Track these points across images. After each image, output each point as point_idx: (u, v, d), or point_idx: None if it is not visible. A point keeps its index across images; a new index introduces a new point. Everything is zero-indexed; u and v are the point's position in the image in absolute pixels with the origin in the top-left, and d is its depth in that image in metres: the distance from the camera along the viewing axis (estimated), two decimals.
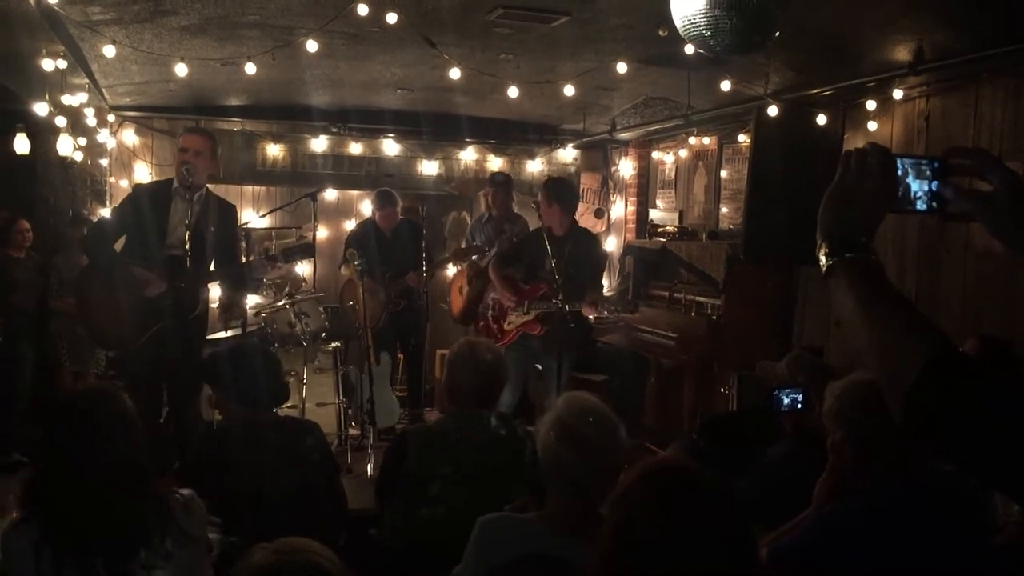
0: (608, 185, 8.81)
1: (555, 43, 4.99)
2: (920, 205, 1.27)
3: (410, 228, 6.59)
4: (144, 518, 2.26)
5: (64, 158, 6.52)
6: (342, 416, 6.17)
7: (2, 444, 5.79)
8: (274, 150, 7.86)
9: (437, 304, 7.17)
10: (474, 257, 6.69)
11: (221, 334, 5.94)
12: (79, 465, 2.23)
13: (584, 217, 8.02)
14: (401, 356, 7.01)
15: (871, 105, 5.61)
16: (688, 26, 3.36)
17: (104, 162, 7.43)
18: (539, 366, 5.98)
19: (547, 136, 8.41)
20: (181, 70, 5.16)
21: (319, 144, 7.90)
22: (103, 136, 7.21)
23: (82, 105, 6.06)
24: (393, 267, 6.43)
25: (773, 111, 5.57)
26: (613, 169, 8.78)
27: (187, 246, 4.51)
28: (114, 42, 4.83)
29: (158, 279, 4.55)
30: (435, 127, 7.82)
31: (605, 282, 7.49)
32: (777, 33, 3.44)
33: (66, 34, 4.80)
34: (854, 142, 5.63)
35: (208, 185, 4.90)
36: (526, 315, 5.71)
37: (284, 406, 3.72)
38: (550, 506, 2.35)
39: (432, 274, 6.55)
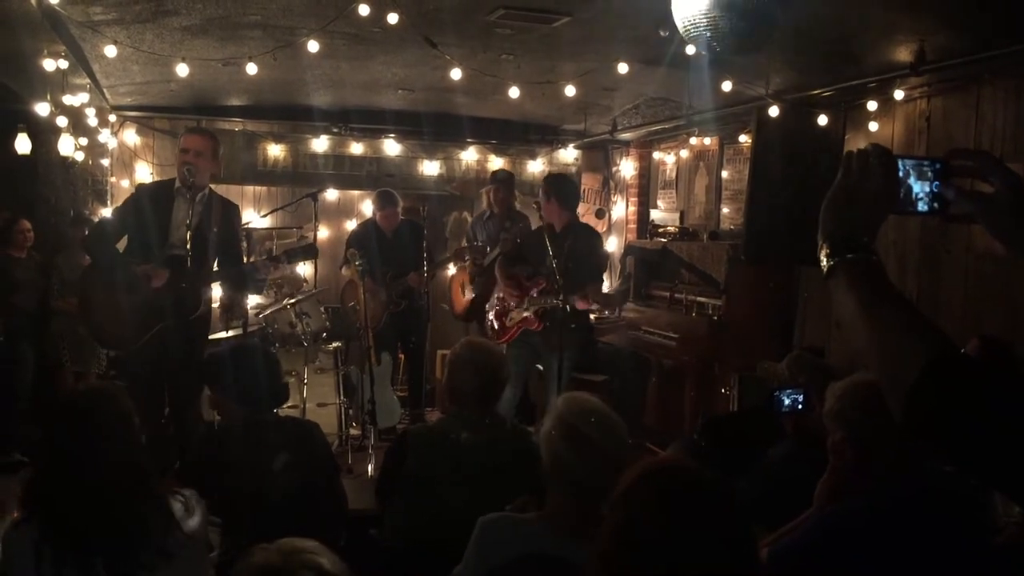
0: (609, 185, 8.81)
1: (556, 43, 4.99)
2: (921, 206, 1.27)
3: (411, 228, 6.59)
4: (145, 518, 2.26)
5: (65, 158, 6.52)
6: (343, 416, 6.17)
7: (3, 444, 5.80)
8: (275, 150, 7.86)
9: (438, 304, 7.17)
10: (476, 256, 6.68)
11: (222, 334, 5.94)
12: (80, 465, 2.23)
13: (585, 217, 8.01)
14: (402, 356, 7.01)
15: (872, 106, 5.60)
16: (689, 26, 3.36)
17: (105, 162, 7.43)
18: (540, 366, 5.99)
19: (548, 136, 8.41)
20: (182, 70, 5.16)
21: (320, 144, 7.90)
22: (104, 136, 7.22)
23: (83, 105, 6.06)
24: (394, 267, 6.43)
25: (774, 111, 5.57)
26: (614, 169, 8.78)
27: (188, 246, 4.51)
28: (115, 42, 4.84)
29: (161, 271, 4.55)
30: (436, 127, 7.82)
31: (606, 282, 7.50)
32: (777, 34, 3.44)
33: (67, 34, 4.80)
34: (855, 143, 5.63)
35: (210, 185, 4.91)
36: (526, 311, 5.73)
37: (285, 406, 3.72)
38: (550, 506, 2.35)
39: (433, 274, 6.56)
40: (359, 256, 5.71)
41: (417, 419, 6.37)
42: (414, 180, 8.22)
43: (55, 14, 4.37)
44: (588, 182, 8.75)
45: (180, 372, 4.58)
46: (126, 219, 4.80)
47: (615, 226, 8.72)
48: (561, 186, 5.91)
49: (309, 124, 7.71)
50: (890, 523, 2.07)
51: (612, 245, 8.39)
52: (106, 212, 7.13)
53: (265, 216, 7.12)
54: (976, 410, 1.05)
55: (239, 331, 6.00)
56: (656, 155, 8.32)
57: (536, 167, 8.55)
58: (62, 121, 6.01)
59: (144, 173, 7.50)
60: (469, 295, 6.88)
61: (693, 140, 7.51)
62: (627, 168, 8.55)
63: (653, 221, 8.08)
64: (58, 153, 6.34)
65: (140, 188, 5.11)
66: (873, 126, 5.70)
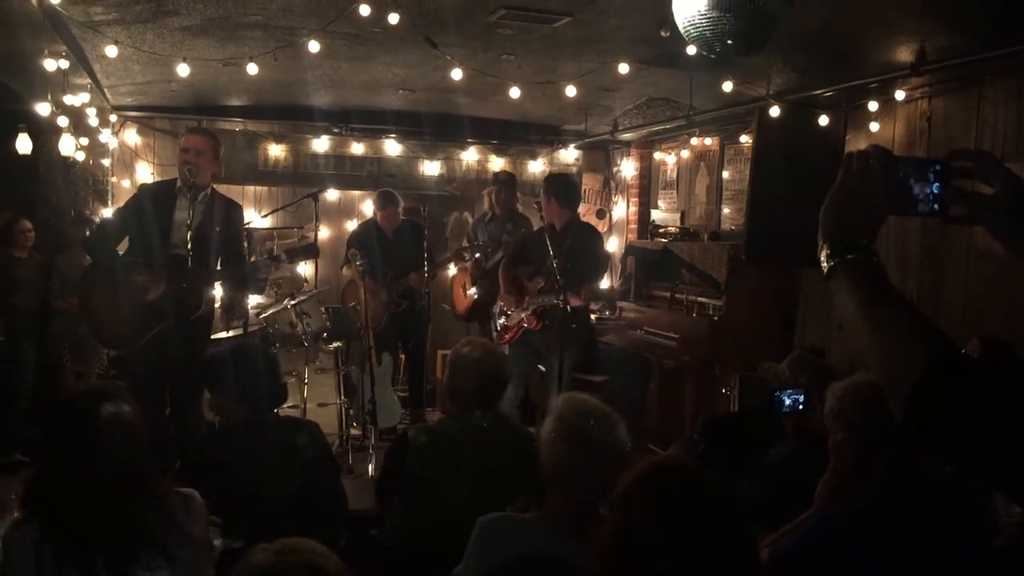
0: (610, 186, 8.81)
1: (557, 44, 4.99)
2: (921, 207, 1.26)
3: (412, 228, 6.59)
4: (145, 518, 2.26)
5: (66, 158, 6.52)
6: (343, 416, 6.17)
7: (3, 444, 5.80)
8: (276, 150, 7.86)
9: (439, 304, 7.17)
10: (477, 255, 6.68)
11: (223, 334, 5.94)
12: (80, 465, 2.23)
13: (586, 217, 8.02)
14: (402, 356, 7.01)
15: (873, 106, 5.60)
16: (690, 27, 3.35)
17: (106, 162, 7.44)
18: (542, 367, 5.99)
19: (549, 137, 8.41)
20: (183, 70, 5.16)
21: (321, 144, 7.90)
22: (105, 136, 7.22)
23: (84, 105, 6.06)
24: (395, 267, 6.43)
25: (775, 112, 5.57)
26: (615, 170, 8.78)
27: (188, 246, 4.51)
28: (116, 42, 4.84)
29: (157, 282, 4.55)
30: (437, 127, 7.82)
31: (606, 282, 7.50)
32: (778, 34, 3.43)
33: (68, 34, 4.81)
34: (856, 143, 5.63)
35: (212, 185, 4.91)
36: (525, 310, 5.75)
37: (285, 406, 3.73)
38: (550, 506, 2.35)
39: (434, 274, 6.56)
40: (360, 256, 5.71)
41: (418, 419, 6.37)
42: (415, 180, 8.22)
43: (56, 14, 4.37)
44: (589, 182, 8.75)
45: (181, 372, 4.58)
46: (127, 219, 4.80)
47: (616, 226, 8.72)
48: (561, 186, 5.93)
49: (310, 124, 7.71)
50: (891, 524, 2.06)
51: (613, 245, 8.39)
52: (107, 212, 7.14)
53: (266, 216, 7.12)
54: (977, 411, 1.05)
55: (239, 331, 6.01)
56: (657, 155, 8.32)
57: (537, 167, 8.55)
58: (63, 121, 6.01)
59: (145, 173, 7.51)
60: (471, 295, 6.88)
61: (694, 140, 7.51)
62: (628, 168, 8.55)
63: (654, 221, 8.08)
64: (59, 153, 6.34)
65: (142, 188, 5.12)
66: (874, 126, 5.70)
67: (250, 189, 7.97)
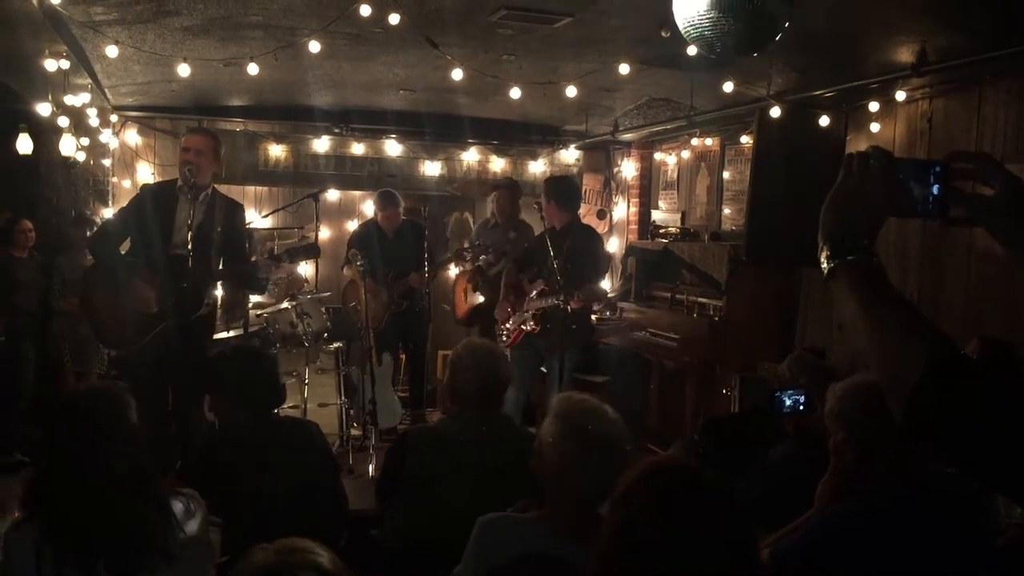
0: (610, 186, 8.81)
1: (557, 44, 4.99)
2: (921, 209, 1.26)
3: (412, 229, 6.59)
4: (146, 518, 2.26)
5: (67, 158, 6.53)
6: (344, 417, 6.17)
7: (4, 444, 5.80)
8: (276, 150, 7.86)
9: (439, 305, 7.17)
10: (482, 258, 6.67)
11: (223, 334, 5.95)
12: (81, 465, 2.23)
13: (587, 218, 8.03)
14: (403, 357, 7.01)
15: (874, 107, 5.60)
16: (690, 27, 3.35)
17: (107, 162, 7.44)
18: (543, 368, 6.00)
19: (549, 137, 8.41)
20: (184, 70, 5.16)
21: (321, 145, 7.90)
22: (106, 136, 7.22)
23: (85, 105, 6.06)
24: (395, 268, 6.43)
25: (776, 112, 5.57)
26: (615, 170, 8.78)
27: (189, 246, 4.51)
28: (117, 42, 4.84)
29: (150, 299, 4.55)
30: (437, 128, 7.82)
31: (607, 282, 7.50)
32: (779, 35, 3.43)
33: (69, 34, 4.81)
34: (857, 143, 5.63)
35: (214, 185, 4.91)
36: (525, 314, 5.76)
37: (286, 407, 3.73)
38: (549, 506, 2.36)
39: (434, 275, 6.56)
40: (360, 256, 5.72)
41: (418, 419, 6.37)
42: (415, 181, 8.22)
43: (56, 14, 4.37)
44: (589, 183, 8.75)
45: (183, 372, 4.58)
46: (128, 220, 4.80)
47: (616, 227, 8.72)
48: (560, 188, 5.96)
49: (310, 124, 7.71)
50: (891, 524, 2.07)
51: (613, 246, 8.39)
52: (108, 212, 7.14)
53: (266, 216, 7.13)
54: (977, 411, 1.05)
55: (240, 331, 6.01)
56: (657, 156, 8.32)
57: (537, 168, 8.55)
58: (63, 121, 6.01)
59: (145, 173, 7.51)
60: (472, 301, 6.87)
61: (694, 141, 7.51)
62: (628, 169, 8.55)
63: (654, 222, 8.08)
64: (59, 153, 6.34)
65: (143, 189, 5.12)
66: (875, 127, 5.70)
67: (250, 189, 7.97)
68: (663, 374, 6.79)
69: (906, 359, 1.10)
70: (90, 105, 6.24)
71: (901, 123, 5.59)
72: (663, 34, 4.30)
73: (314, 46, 4.77)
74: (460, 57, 5.14)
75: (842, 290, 1.21)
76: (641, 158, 8.41)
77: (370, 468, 5.42)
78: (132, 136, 7.56)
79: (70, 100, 5.68)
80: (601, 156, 8.86)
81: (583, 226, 6.24)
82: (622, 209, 8.67)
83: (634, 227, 8.47)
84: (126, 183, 7.47)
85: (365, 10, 4.16)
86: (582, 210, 7.31)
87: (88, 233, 6.25)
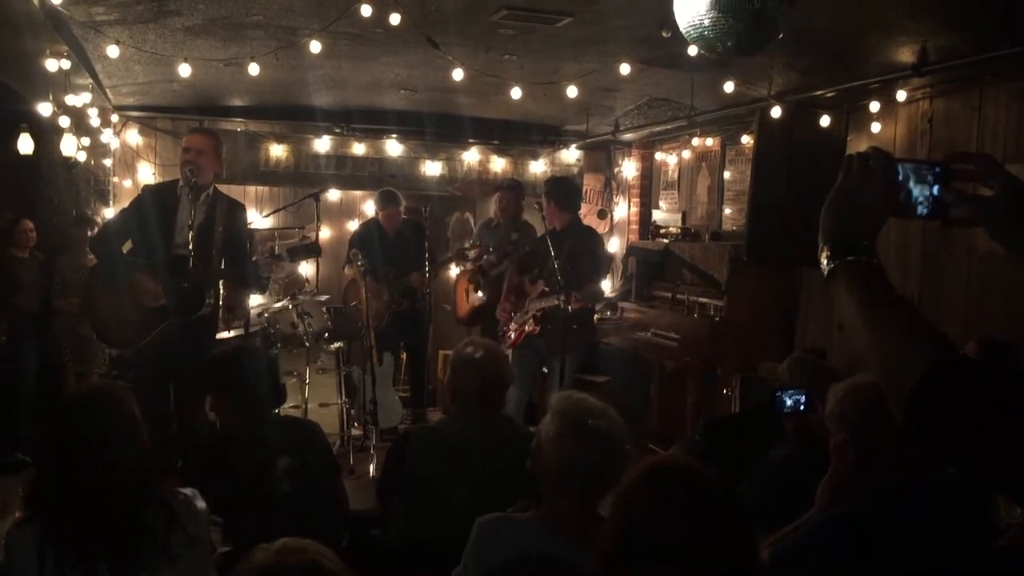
0: (611, 186, 8.81)
1: (558, 44, 4.99)
2: (921, 210, 1.27)
3: (413, 228, 6.59)
4: (147, 519, 2.26)
5: (68, 158, 6.52)
6: (344, 417, 6.18)
7: (5, 444, 5.80)
8: (277, 150, 7.86)
9: (440, 305, 7.17)
10: (484, 258, 6.66)
11: (224, 334, 5.95)
12: (82, 466, 2.24)
13: (587, 218, 8.02)
14: (404, 356, 7.01)
15: (875, 107, 5.60)
16: (691, 27, 3.36)
17: (108, 162, 7.44)
18: (545, 369, 6.00)
19: (550, 137, 8.41)
20: (185, 70, 5.17)
21: (322, 145, 7.90)
22: (107, 136, 7.22)
23: (86, 105, 6.06)
24: (396, 267, 6.43)
25: (777, 112, 5.57)
26: (616, 170, 8.78)
27: (190, 246, 4.51)
28: (118, 42, 4.84)
29: (157, 291, 4.55)
30: (438, 128, 7.82)
31: (607, 283, 7.50)
32: (780, 35, 3.43)
33: (70, 34, 4.81)
34: (857, 143, 5.63)
35: (215, 185, 4.91)
36: (525, 315, 5.77)
37: (287, 407, 3.73)
38: (548, 506, 2.36)
39: (435, 274, 6.55)
40: (361, 256, 5.72)
41: (419, 419, 6.37)
42: (416, 181, 8.22)
43: (57, 14, 4.38)
44: (590, 183, 8.74)
45: (184, 372, 4.58)
46: (129, 221, 4.80)
47: (617, 227, 8.72)
48: (560, 189, 5.97)
49: (311, 124, 7.71)
50: (892, 525, 2.07)
51: (614, 246, 8.38)
52: (109, 212, 7.14)
53: (267, 216, 7.14)
54: (977, 412, 1.05)
55: (240, 331, 6.02)
56: (658, 156, 8.32)
57: (538, 168, 8.54)
58: (64, 121, 6.01)
59: (146, 173, 7.51)
60: (473, 300, 6.87)
61: (695, 141, 7.51)
62: (629, 169, 8.55)
63: (655, 222, 8.08)
64: (60, 153, 6.34)
65: (145, 189, 5.12)
66: (875, 127, 5.69)
67: (251, 189, 7.97)
68: (664, 374, 6.79)
69: (906, 360, 1.10)
70: (91, 105, 6.24)
71: (902, 123, 5.59)
72: (664, 34, 4.30)
73: (315, 46, 4.77)
74: (461, 57, 5.14)
75: (842, 291, 1.21)
76: (642, 158, 8.41)
77: (371, 468, 5.42)
78: (133, 136, 7.56)
79: (71, 100, 5.68)
80: (602, 156, 8.86)
81: (584, 226, 6.25)
82: (623, 209, 8.67)
83: (635, 227, 8.47)
84: (127, 183, 7.47)
85: (366, 10, 4.16)
86: (583, 210, 7.30)
87: (89, 233, 6.25)
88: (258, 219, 7.19)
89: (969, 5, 4.04)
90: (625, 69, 5.24)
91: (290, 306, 6.05)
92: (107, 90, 6.48)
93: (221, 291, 5.04)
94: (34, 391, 6.23)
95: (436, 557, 2.61)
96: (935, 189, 1.26)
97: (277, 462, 3.14)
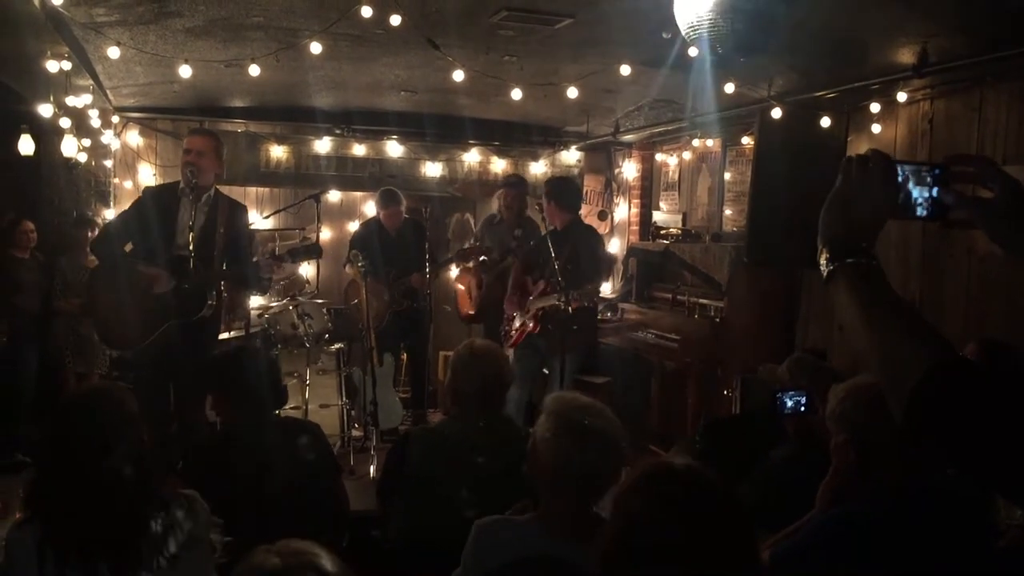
0: (611, 187, 8.81)
1: (559, 45, 4.99)
2: (920, 211, 1.27)
3: (414, 228, 6.58)
4: (147, 519, 2.26)
5: (68, 159, 6.53)
6: (345, 417, 6.18)
7: (6, 444, 5.80)
8: (278, 151, 7.86)
9: (440, 306, 7.16)
10: (483, 258, 6.66)
11: (224, 335, 5.95)
12: (82, 466, 2.24)
13: (587, 219, 8.02)
14: (404, 357, 7.01)
15: (875, 108, 5.61)
16: (691, 29, 3.36)
17: (108, 163, 7.45)
18: (546, 370, 5.99)
19: (550, 138, 8.41)
20: (185, 72, 5.17)
21: (323, 146, 7.90)
22: (107, 137, 7.23)
23: (86, 106, 6.07)
24: (397, 266, 6.43)
25: (777, 113, 5.57)
26: (616, 171, 8.78)
27: (190, 247, 4.51)
28: (118, 43, 4.85)
29: (165, 275, 4.55)
30: (438, 129, 7.82)
31: (608, 284, 7.50)
32: (779, 36, 3.44)
33: (71, 35, 4.81)
34: (858, 144, 5.63)
35: (216, 186, 4.91)
36: (526, 313, 5.77)
37: (287, 408, 3.73)
38: (545, 507, 2.36)
39: (436, 275, 6.54)
40: (361, 257, 5.72)
41: (419, 420, 6.37)
42: (416, 182, 8.22)
43: (58, 15, 4.38)
44: (590, 184, 8.75)
45: (185, 373, 4.59)
46: (129, 223, 4.80)
47: (617, 228, 8.72)
48: (560, 189, 5.98)
49: (312, 125, 7.71)
50: (892, 526, 2.07)
51: (614, 247, 8.39)
52: (109, 213, 7.15)
53: (268, 217, 7.14)
54: (976, 413, 1.05)
55: (241, 332, 6.02)
56: (659, 157, 8.32)
57: (539, 169, 8.54)
58: (65, 122, 6.01)
59: (147, 174, 7.52)
60: (476, 297, 6.86)
61: (695, 142, 7.51)
62: (629, 170, 8.55)
63: (655, 223, 8.08)
64: (61, 154, 6.35)
65: (146, 191, 5.13)
66: (876, 128, 5.70)
67: (252, 190, 7.98)
68: (664, 375, 6.79)
69: (906, 361, 1.10)
70: (92, 106, 6.24)
71: (902, 124, 5.59)
72: (664, 35, 4.30)
73: (315, 47, 4.77)
74: (461, 58, 5.15)
75: (841, 292, 1.21)
76: (642, 159, 8.41)
77: (371, 469, 5.42)
78: (134, 137, 7.56)
79: (72, 101, 5.68)
80: (602, 157, 8.86)
81: (585, 226, 6.26)
82: (623, 210, 8.67)
83: (635, 228, 8.47)
84: (128, 184, 7.47)
85: (366, 11, 4.17)
86: (583, 211, 7.30)
87: (90, 234, 6.26)
88: (259, 220, 7.19)
89: (969, 6, 4.04)
90: (625, 70, 5.24)
91: (291, 307, 6.05)
92: (108, 91, 6.49)
93: (223, 292, 5.04)
94: (34, 392, 6.23)
95: (436, 558, 2.61)
96: (934, 191, 1.26)
97: (278, 463, 3.14)
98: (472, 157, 8.41)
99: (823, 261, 1.24)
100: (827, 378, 3.02)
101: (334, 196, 8.07)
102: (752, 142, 6.36)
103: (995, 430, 1.04)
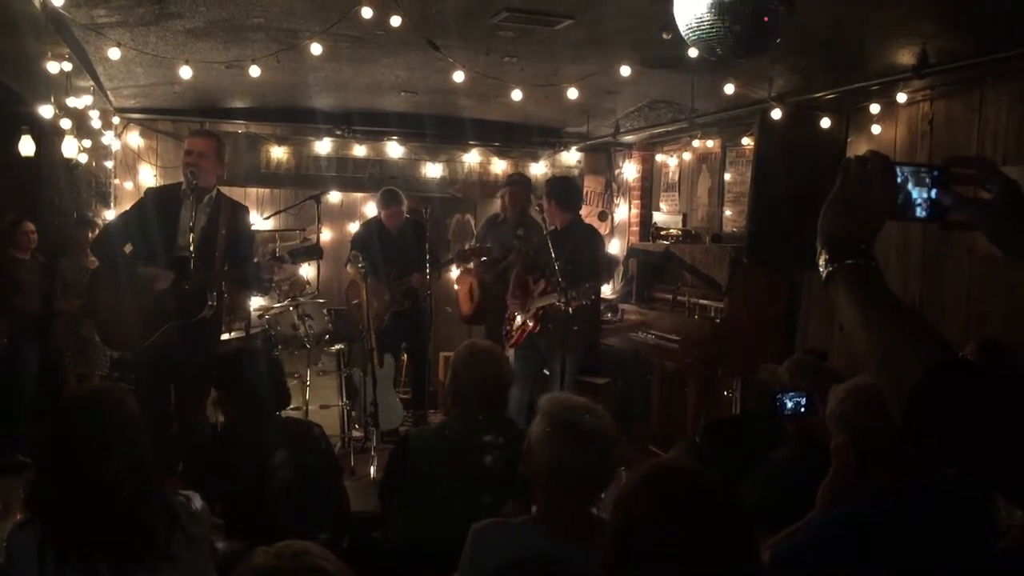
0: (612, 188, 8.81)
1: (559, 46, 4.99)
2: (920, 213, 1.27)
3: (415, 228, 6.58)
4: (148, 520, 2.27)
5: (69, 160, 6.53)
6: (345, 418, 6.18)
7: (6, 445, 5.81)
8: (278, 152, 7.87)
9: (441, 306, 7.16)
10: (484, 259, 6.64)
11: (224, 336, 5.95)
12: (83, 467, 2.24)
13: (588, 220, 8.01)
14: (405, 358, 7.01)
15: (875, 108, 5.61)
16: (691, 30, 3.36)
17: (109, 164, 7.45)
18: (547, 371, 5.99)
19: (551, 139, 8.42)
20: (186, 73, 5.17)
21: (323, 147, 7.91)
22: (108, 138, 7.24)
23: (87, 107, 6.07)
24: (398, 266, 6.43)
25: (777, 114, 5.57)
26: (617, 172, 8.79)
27: (191, 248, 4.51)
28: (119, 45, 4.85)
29: (164, 272, 4.55)
30: (439, 130, 7.83)
31: (608, 285, 7.50)
32: (779, 38, 3.44)
33: (71, 37, 4.81)
34: (858, 145, 5.64)
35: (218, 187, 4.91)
36: (527, 313, 5.77)
37: (287, 408, 3.73)
38: (542, 508, 2.36)
39: (437, 275, 6.54)
40: (362, 258, 5.72)
41: (420, 421, 6.37)
42: (417, 182, 8.22)
43: (59, 17, 4.38)
44: (591, 184, 8.75)
45: (186, 374, 4.59)
46: (130, 223, 4.80)
47: (618, 228, 8.73)
48: (561, 189, 5.97)
49: (312, 126, 7.72)
50: (893, 526, 2.07)
51: (615, 248, 8.39)
52: (109, 214, 7.15)
53: (268, 218, 7.14)
54: (976, 414, 1.05)
55: (241, 333, 6.02)
56: (659, 157, 8.33)
57: (539, 169, 8.54)
58: (66, 123, 6.01)
59: (147, 175, 7.52)
60: (478, 298, 6.84)
61: (696, 143, 7.51)
62: (630, 170, 8.55)
63: (655, 223, 8.08)
64: (62, 155, 6.35)
65: (147, 192, 5.12)
66: (876, 129, 5.70)
67: (252, 191, 7.97)
68: (664, 376, 6.79)
69: (905, 362, 1.10)
70: (92, 107, 6.25)
71: (902, 125, 5.59)
72: (664, 36, 4.30)
73: (316, 48, 4.78)
74: (461, 59, 5.15)
75: (840, 294, 1.21)
76: (642, 160, 8.41)
77: (372, 470, 5.42)
78: (134, 138, 7.57)
79: (72, 102, 5.69)
80: (602, 158, 8.86)
81: (585, 226, 6.25)
82: (623, 211, 8.67)
83: (635, 229, 8.47)
84: (128, 185, 7.48)
85: (367, 13, 4.17)
86: (583, 211, 7.29)
87: (90, 235, 6.26)
88: (259, 221, 7.19)
89: (969, 7, 4.04)
90: (625, 71, 5.24)
91: (291, 308, 6.05)
92: (108, 92, 6.49)
93: (223, 293, 5.03)
94: (35, 392, 6.23)
95: (437, 558, 2.61)
96: (933, 192, 1.26)
97: (279, 464, 3.14)
98: (472, 158, 8.41)
99: (822, 262, 1.24)
100: (827, 379, 3.02)
101: (334, 197, 8.07)
102: (752, 143, 6.36)
103: (995, 430, 1.04)
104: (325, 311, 6.30)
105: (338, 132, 7.80)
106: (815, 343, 5.96)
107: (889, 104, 5.53)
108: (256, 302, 6.32)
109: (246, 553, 1.55)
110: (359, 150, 8.01)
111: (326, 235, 7.40)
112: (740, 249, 6.12)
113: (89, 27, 4.65)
